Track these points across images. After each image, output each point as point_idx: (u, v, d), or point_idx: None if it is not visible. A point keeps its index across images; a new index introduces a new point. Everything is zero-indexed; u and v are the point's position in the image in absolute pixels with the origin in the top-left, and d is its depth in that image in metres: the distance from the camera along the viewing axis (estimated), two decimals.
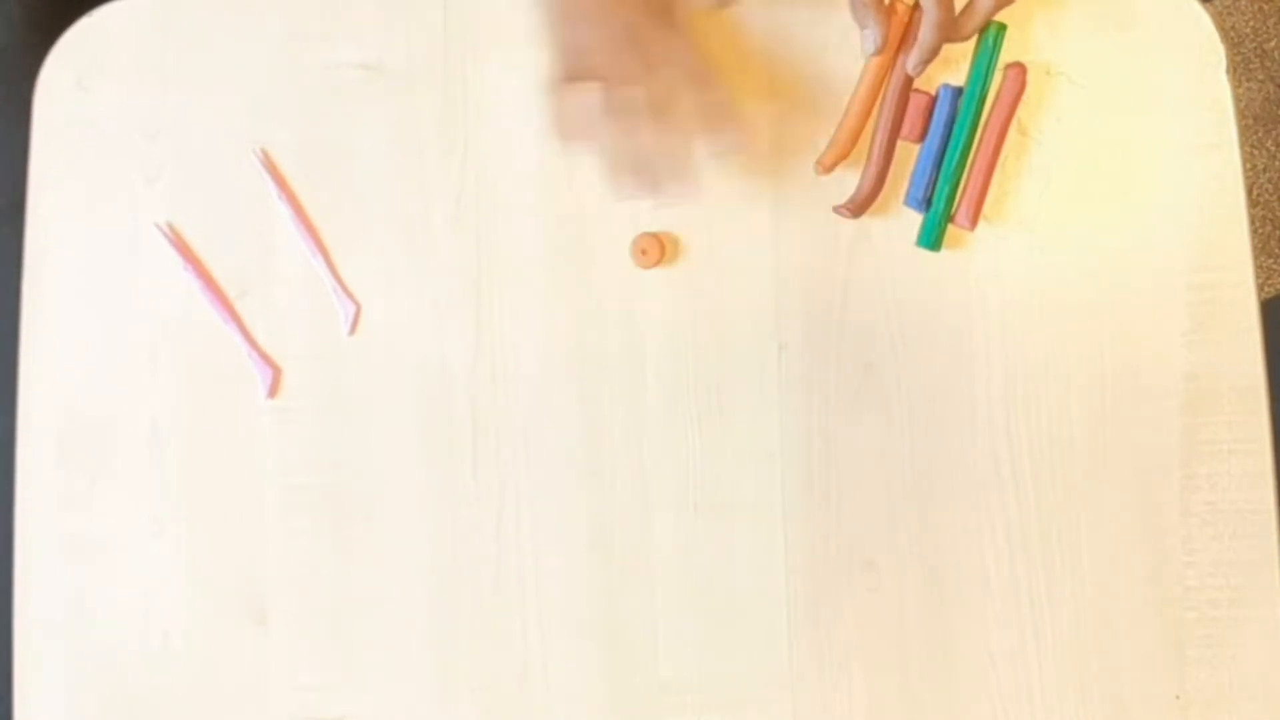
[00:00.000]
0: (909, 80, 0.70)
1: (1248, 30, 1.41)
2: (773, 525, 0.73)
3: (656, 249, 0.73)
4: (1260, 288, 0.74)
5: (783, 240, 0.74)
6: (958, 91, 0.70)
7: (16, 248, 0.79)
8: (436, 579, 0.74)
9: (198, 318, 0.77)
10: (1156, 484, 0.70)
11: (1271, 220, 1.38)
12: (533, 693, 0.73)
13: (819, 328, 0.73)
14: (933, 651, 0.71)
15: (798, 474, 0.73)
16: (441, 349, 0.75)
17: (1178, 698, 0.70)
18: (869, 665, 0.72)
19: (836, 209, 0.72)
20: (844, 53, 0.72)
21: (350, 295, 0.76)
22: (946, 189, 0.70)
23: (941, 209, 0.71)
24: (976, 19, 0.68)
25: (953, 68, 0.72)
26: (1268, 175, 1.39)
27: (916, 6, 0.68)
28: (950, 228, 0.71)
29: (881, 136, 0.71)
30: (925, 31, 0.66)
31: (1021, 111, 0.71)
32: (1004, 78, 0.71)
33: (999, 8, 0.67)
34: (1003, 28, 0.69)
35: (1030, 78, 0.71)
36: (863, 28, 0.69)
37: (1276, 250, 1.37)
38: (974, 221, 0.71)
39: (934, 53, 0.67)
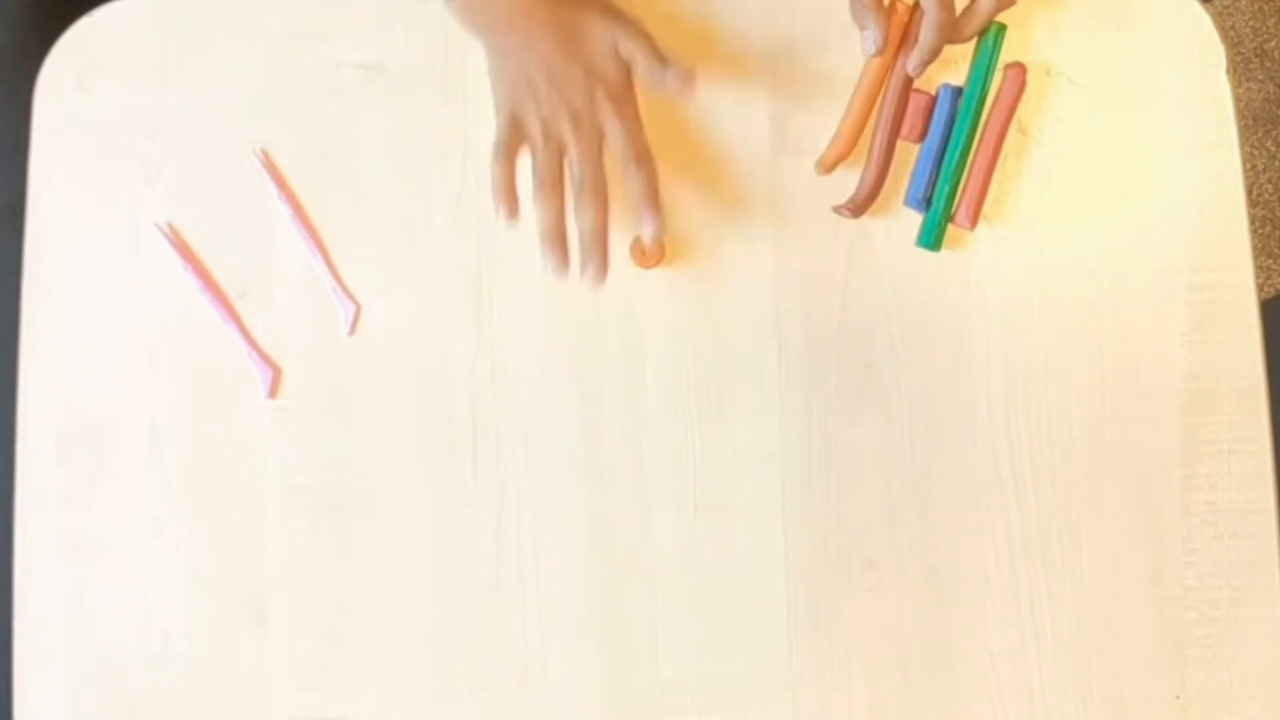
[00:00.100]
0: (909, 80, 0.70)
1: (1248, 30, 1.41)
2: (773, 525, 0.73)
3: (656, 249, 0.73)
4: (1260, 288, 0.74)
5: (783, 240, 0.74)
6: (958, 91, 0.70)
7: (16, 248, 0.79)
8: (436, 579, 0.74)
9: (198, 318, 0.77)
10: (1156, 484, 0.70)
11: (1271, 220, 1.38)
12: (533, 693, 0.73)
13: (819, 328, 0.73)
14: (933, 651, 0.71)
15: (798, 474, 0.73)
16: (441, 349, 0.75)
17: (1178, 698, 0.70)
18: (869, 665, 0.72)
19: (836, 209, 0.72)
20: (844, 53, 0.72)
21: (350, 295, 0.76)
22: (946, 189, 0.70)
23: (941, 209, 0.71)
24: (977, 20, 0.68)
25: (953, 68, 0.72)
26: (1268, 175, 1.39)
27: (916, 7, 0.68)
28: (950, 228, 0.71)
29: (881, 136, 0.71)
30: (926, 33, 0.67)
31: (1021, 111, 0.71)
32: (1004, 78, 0.71)
33: (999, 9, 0.67)
34: (1003, 28, 0.69)
35: (1030, 78, 0.71)
36: (863, 28, 0.69)
37: (1276, 250, 1.37)
38: (974, 221, 0.71)
39: (934, 54, 0.67)
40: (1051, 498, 0.71)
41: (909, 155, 0.71)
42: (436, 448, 0.75)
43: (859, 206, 0.71)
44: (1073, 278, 0.72)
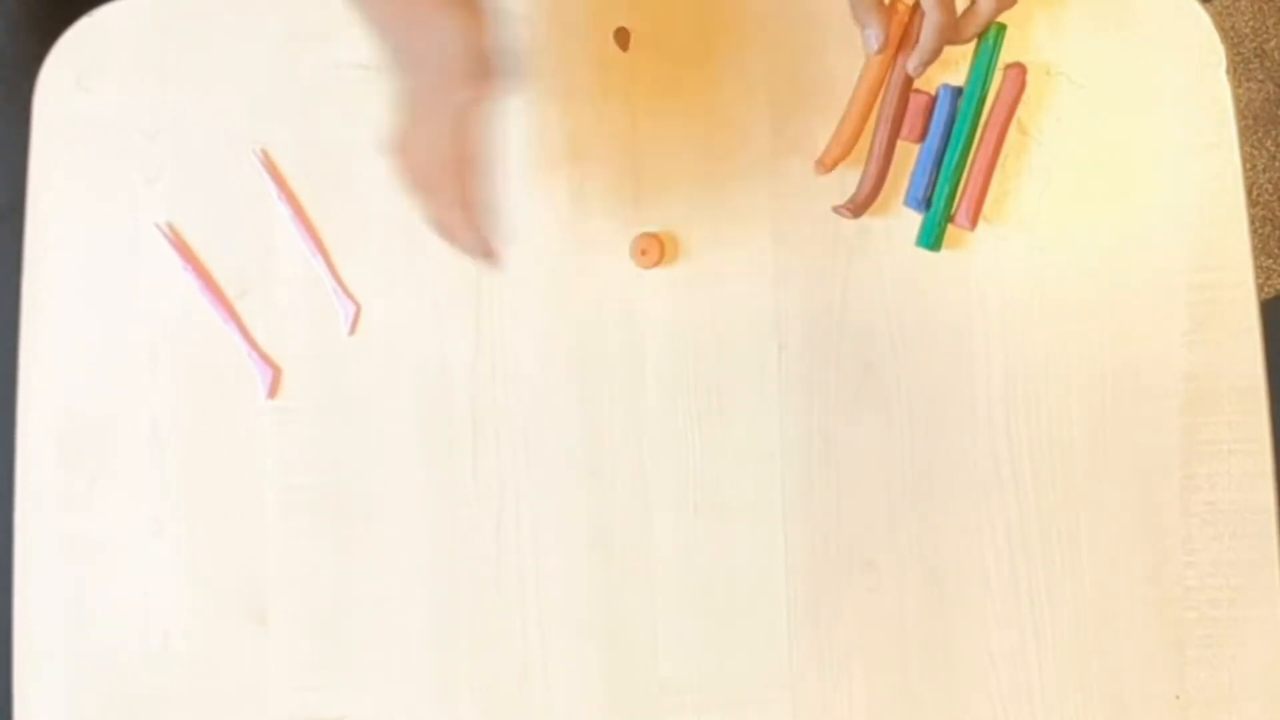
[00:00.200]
0: (909, 80, 0.70)
1: (1248, 30, 1.41)
2: (773, 525, 0.73)
3: (656, 249, 0.73)
4: (1260, 288, 0.74)
5: (783, 240, 0.74)
6: (958, 91, 0.70)
7: (16, 248, 0.79)
8: (436, 579, 0.74)
9: (198, 318, 0.77)
10: (1156, 484, 0.70)
11: (1271, 220, 1.38)
12: (533, 693, 0.73)
13: (819, 328, 0.73)
14: (933, 651, 0.71)
15: (798, 474, 0.73)
16: (441, 349, 0.75)
17: (1178, 698, 0.70)
18: (869, 665, 0.72)
19: (836, 209, 0.72)
20: (844, 53, 0.72)
21: (350, 295, 0.76)
22: (946, 189, 0.70)
23: (941, 209, 0.71)
24: (977, 22, 0.68)
25: (952, 68, 0.72)
26: (1268, 175, 1.39)
27: (916, 7, 0.68)
28: (950, 228, 0.71)
29: (881, 136, 0.71)
30: (926, 35, 0.66)
31: (1021, 111, 0.71)
32: (1004, 78, 0.71)
33: (1000, 10, 0.67)
34: (1003, 28, 0.69)
35: (1030, 78, 0.71)
36: (864, 27, 0.69)
37: (1276, 250, 1.37)
38: (974, 221, 0.71)
39: (935, 55, 0.67)
40: (1051, 498, 0.71)
41: (909, 155, 0.71)
42: (436, 448, 0.75)
43: (859, 206, 0.71)
44: (1073, 278, 0.72)
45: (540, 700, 0.73)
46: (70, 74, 0.79)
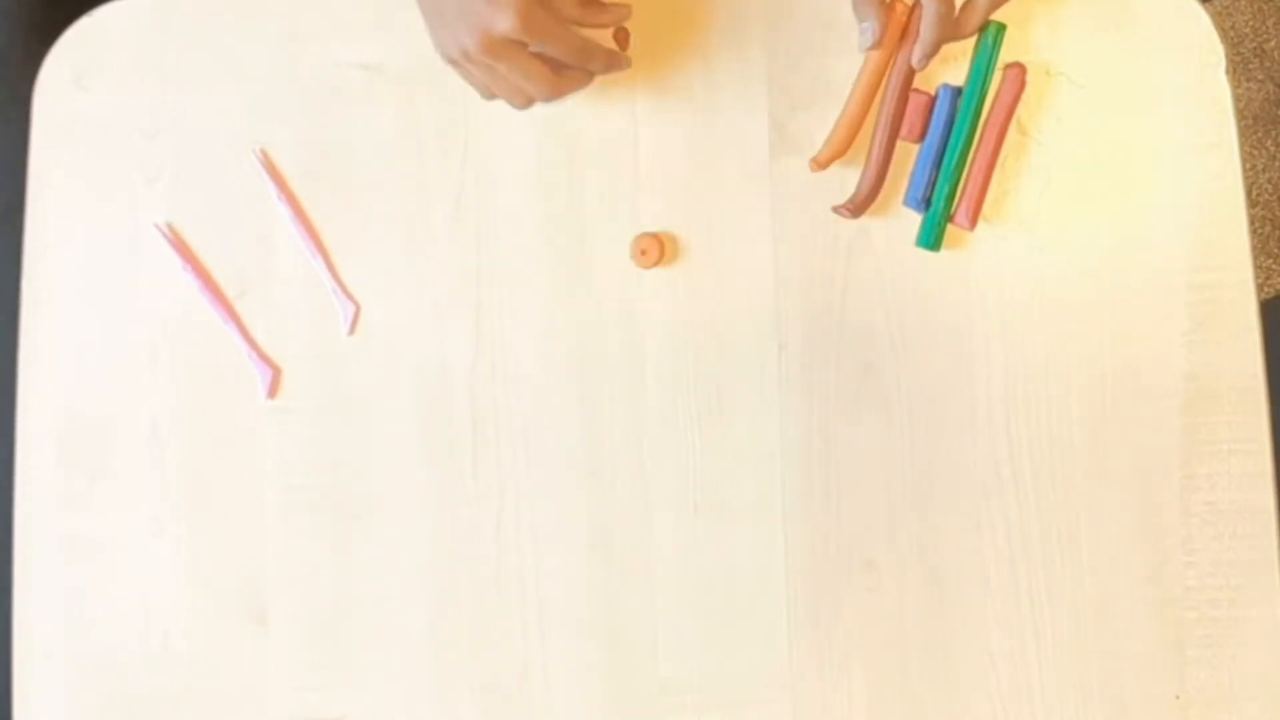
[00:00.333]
0: (908, 80, 0.70)
1: (1248, 30, 1.41)
2: (773, 525, 0.73)
3: (656, 249, 0.73)
4: (1260, 288, 0.74)
5: (782, 240, 0.74)
6: (957, 91, 0.70)
7: (16, 248, 0.79)
8: (436, 579, 0.74)
9: (198, 318, 0.77)
10: (1156, 484, 0.70)
11: (1271, 220, 1.38)
12: (533, 693, 0.73)
13: (819, 328, 0.73)
14: (933, 651, 0.71)
15: (798, 474, 0.73)
16: (441, 349, 0.75)
17: (1178, 698, 0.70)
18: (869, 665, 0.72)
19: (836, 209, 0.72)
20: (843, 53, 0.72)
21: (350, 295, 0.76)
22: (946, 189, 0.70)
23: (941, 209, 0.71)
24: (977, 16, 0.68)
25: (952, 67, 0.72)
26: (1268, 175, 1.39)
27: (917, 4, 0.68)
28: (950, 228, 0.71)
29: (881, 136, 0.71)
30: (926, 25, 0.66)
31: (1021, 111, 0.71)
32: (1004, 78, 0.71)
33: (997, 5, 0.67)
34: (1002, 27, 0.69)
35: (1030, 78, 0.71)
36: (861, 21, 0.69)
37: (1276, 250, 1.37)
38: (974, 221, 0.71)
39: (936, 47, 0.67)
40: (1051, 498, 0.71)
41: (908, 155, 0.71)
42: (436, 448, 0.75)
43: (858, 206, 0.71)
44: (1073, 278, 0.72)
45: (540, 700, 0.73)
46: (70, 74, 0.79)
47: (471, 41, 0.64)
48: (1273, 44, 1.41)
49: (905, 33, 0.69)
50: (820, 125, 0.72)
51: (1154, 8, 0.72)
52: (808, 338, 0.73)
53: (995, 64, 0.70)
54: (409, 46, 0.77)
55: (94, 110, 0.79)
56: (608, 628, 0.73)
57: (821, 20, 0.74)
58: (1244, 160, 0.72)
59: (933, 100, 0.70)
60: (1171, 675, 0.70)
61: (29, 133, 0.79)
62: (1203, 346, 0.70)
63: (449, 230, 0.76)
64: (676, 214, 0.74)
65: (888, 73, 0.70)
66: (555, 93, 0.67)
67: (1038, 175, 0.72)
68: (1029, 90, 0.71)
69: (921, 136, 0.71)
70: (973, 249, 0.72)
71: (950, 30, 0.67)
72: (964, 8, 0.68)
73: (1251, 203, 1.24)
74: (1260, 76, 1.40)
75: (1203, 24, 0.71)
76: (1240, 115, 0.88)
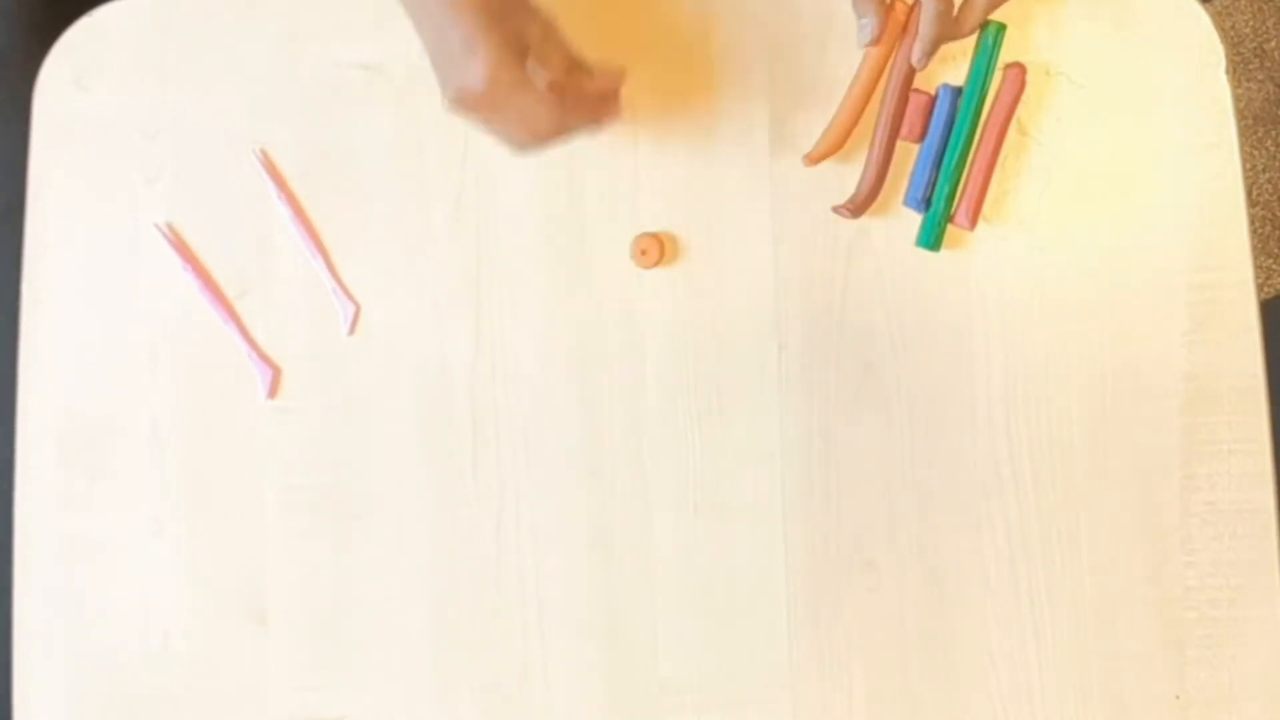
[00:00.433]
0: (908, 80, 0.70)
1: (1248, 30, 1.41)
2: (773, 525, 0.73)
3: (656, 249, 0.73)
4: (1260, 288, 0.74)
5: (782, 240, 0.74)
6: (957, 91, 0.70)
7: (16, 248, 0.79)
8: (436, 579, 0.74)
9: (198, 318, 0.77)
10: (1156, 484, 0.70)
11: (1271, 220, 1.38)
12: (533, 693, 0.73)
13: (819, 328, 0.73)
14: (933, 651, 0.71)
15: (798, 474, 0.73)
16: (441, 349, 0.75)
17: (1178, 698, 0.70)
18: (869, 665, 0.72)
19: (836, 209, 0.72)
20: (843, 53, 0.72)
21: (350, 295, 0.76)
22: (946, 189, 0.70)
23: (941, 209, 0.71)
24: (975, 15, 0.68)
25: (952, 67, 0.72)
26: (1268, 175, 1.39)
27: (916, 3, 0.68)
28: (950, 228, 0.71)
29: (881, 136, 0.71)
30: (925, 22, 0.66)
31: (1021, 111, 0.71)
32: (1003, 77, 0.71)
33: (996, 4, 0.67)
34: (1002, 27, 0.69)
35: (1030, 78, 0.71)
36: (860, 17, 0.69)
37: (1276, 250, 1.37)
38: (974, 221, 0.71)
39: (936, 44, 0.67)
40: (1051, 498, 0.71)
41: (908, 155, 0.71)
42: (436, 448, 0.75)
43: (858, 207, 0.71)
44: (1073, 278, 0.72)
45: (540, 700, 0.73)
46: (70, 74, 0.79)
47: (448, 92, 0.62)
48: (1273, 44, 1.41)
49: (905, 33, 0.69)
50: (820, 125, 0.72)
51: (1154, 8, 0.72)
52: (808, 338, 0.73)
53: (995, 64, 0.70)
54: (409, 46, 0.76)
55: (94, 110, 0.79)
56: (608, 628, 0.73)
57: (822, 20, 0.74)
58: (1244, 160, 0.72)
59: (933, 100, 0.70)
60: (1171, 675, 0.70)
61: (29, 133, 0.79)
62: (1203, 346, 0.70)
63: (449, 230, 0.76)
64: (676, 214, 0.74)
65: (887, 72, 0.70)
66: (536, 145, 0.65)
67: (1038, 175, 0.72)
68: (1029, 90, 0.71)
69: (921, 136, 0.71)
70: (973, 249, 0.72)
71: (949, 28, 0.67)
72: (963, 6, 0.68)
73: (1251, 203, 1.24)
74: (1260, 76, 1.40)
75: (1203, 24, 0.71)
76: (1240, 115, 0.88)
